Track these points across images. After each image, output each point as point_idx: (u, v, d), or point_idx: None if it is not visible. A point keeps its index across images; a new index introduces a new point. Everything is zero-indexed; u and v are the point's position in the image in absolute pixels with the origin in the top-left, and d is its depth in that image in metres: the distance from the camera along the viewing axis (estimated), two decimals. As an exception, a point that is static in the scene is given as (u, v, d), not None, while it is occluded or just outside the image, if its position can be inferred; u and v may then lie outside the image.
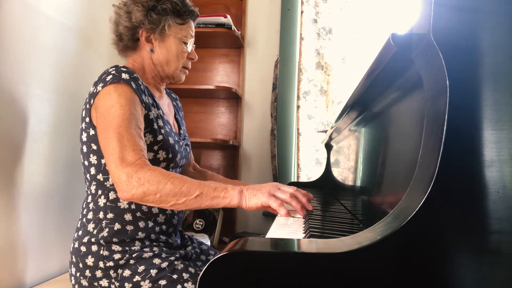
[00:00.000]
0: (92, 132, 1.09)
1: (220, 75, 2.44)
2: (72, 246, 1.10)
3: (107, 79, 1.05)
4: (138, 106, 1.05)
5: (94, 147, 1.09)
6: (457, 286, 0.42)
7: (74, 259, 1.08)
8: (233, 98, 2.40)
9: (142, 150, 0.98)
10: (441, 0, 0.45)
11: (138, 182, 0.91)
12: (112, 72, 1.06)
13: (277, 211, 0.92)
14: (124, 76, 1.05)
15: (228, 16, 2.18)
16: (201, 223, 2.21)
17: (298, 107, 2.27)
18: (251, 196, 0.93)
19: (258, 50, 2.40)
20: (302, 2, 2.27)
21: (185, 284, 1.02)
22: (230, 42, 2.34)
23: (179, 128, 1.31)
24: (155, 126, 1.11)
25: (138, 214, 1.09)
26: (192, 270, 1.06)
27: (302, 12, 2.27)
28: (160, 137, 1.10)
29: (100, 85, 1.05)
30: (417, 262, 0.43)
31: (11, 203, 1.31)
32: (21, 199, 1.36)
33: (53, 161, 1.52)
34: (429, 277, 0.42)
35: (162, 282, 1.02)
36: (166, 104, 1.28)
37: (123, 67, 1.09)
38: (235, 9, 2.41)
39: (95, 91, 1.06)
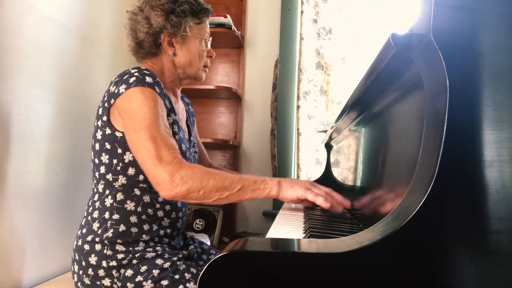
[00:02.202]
0: (108, 131, 1.08)
1: (220, 75, 2.44)
2: (75, 243, 1.10)
3: (130, 81, 1.04)
4: (164, 109, 1.07)
5: (108, 146, 1.09)
6: (457, 286, 0.42)
7: (77, 257, 1.08)
8: (233, 98, 2.40)
9: (175, 149, 1.00)
10: (441, 0, 0.45)
11: (182, 180, 0.93)
12: (135, 74, 1.06)
13: (314, 202, 0.95)
14: (148, 79, 1.06)
15: (228, 16, 2.19)
16: (201, 223, 2.21)
17: (298, 107, 2.27)
18: (288, 188, 0.97)
19: (258, 50, 2.40)
20: (302, 2, 2.27)
21: (187, 284, 1.02)
22: (230, 42, 2.34)
23: (189, 134, 1.31)
24: (171, 131, 1.11)
25: (144, 217, 1.09)
26: (194, 270, 1.07)
27: (302, 12, 2.27)
28: None
29: (123, 86, 1.04)
30: (417, 262, 0.43)
31: (10, 203, 1.32)
32: (20, 199, 1.36)
33: (53, 161, 1.52)
34: (429, 277, 0.42)
35: (164, 282, 1.02)
36: (180, 109, 1.28)
37: (145, 69, 1.09)
38: (235, 9, 2.41)
39: (116, 91, 1.06)
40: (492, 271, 0.42)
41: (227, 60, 2.43)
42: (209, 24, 2.13)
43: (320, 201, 0.94)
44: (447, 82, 0.43)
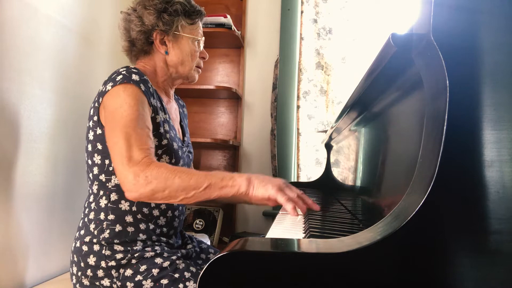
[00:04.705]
0: (99, 131, 1.09)
1: (220, 75, 2.44)
2: (73, 245, 1.10)
3: (117, 79, 1.05)
4: (146, 107, 1.06)
5: (99, 146, 1.09)
6: (457, 286, 0.42)
7: (75, 258, 1.08)
8: (233, 98, 2.40)
9: (149, 149, 0.98)
10: (441, 0, 0.45)
11: (146, 180, 0.91)
12: (122, 72, 1.06)
13: (284, 206, 0.90)
14: (134, 77, 1.05)
15: (228, 16, 2.19)
16: (201, 223, 2.21)
17: (298, 107, 2.27)
18: (259, 186, 0.91)
19: (258, 50, 2.40)
20: (302, 2, 2.27)
21: (187, 283, 1.03)
22: (230, 42, 2.34)
23: (183, 135, 1.31)
24: (161, 130, 1.11)
25: (139, 216, 1.09)
26: (193, 269, 1.07)
27: (302, 12, 2.27)
28: (164, 142, 1.11)
29: (110, 84, 1.05)
30: (417, 262, 0.43)
31: (11, 203, 1.32)
32: (21, 199, 1.36)
33: (53, 161, 1.52)
34: (429, 277, 0.42)
35: (164, 281, 1.02)
36: (173, 109, 1.28)
37: (134, 68, 1.09)
38: (235, 9, 2.41)
39: (104, 89, 1.07)
40: (492, 271, 0.42)
41: (227, 60, 2.43)
42: (209, 24, 2.16)
43: (289, 209, 0.89)
44: (447, 82, 0.43)
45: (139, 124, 1.00)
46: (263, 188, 0.91)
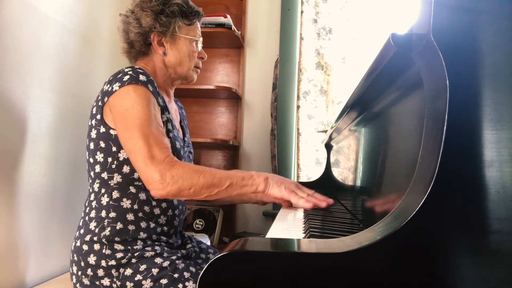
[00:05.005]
0: (102, 129, 1.09)
1: (220, 75, 2.44)
2: (73, 244, 1.10)
3: (124, 79, 1.05)
4: (157, 108, 1.08)
5: (102, 144, 1.09)
6: (457, 286, 0.42)
7: (75, 258, 1.08)
8: (233, 98, 2.40)
9: (168, 148, 1.02)
10: (441, 0, 0.45)
11: (172, 180, 0.96)
12: (129, 73, 1.07)
13: (297, 205, 1.03)
14: (142, 78, 1.07)
15: (228, 16, 2.19)
16: (201, 223, 2.21)
17: (298, 107, 2.27)
18: (275, 186, 1.02)
19: (258, 50, 2.40)
20: (302, 2, 2.27)
21: (186, 283, 1.03)
22: (230, 42, 2.34)
23: (184, 135, 1.33)
24: (165, 129, 1.12)
25: (140, 214, 1.10)
26: (193, 269, 1.07)
27: (302, 12, 2.27)
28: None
29: (117, 84, 1.06)
30: (417, 262, 0.43)
31: (11, 203, 1.32)
32: (21, 199, 1.36)
33: (54, 161, 1.52)
34: (429, 277, 0.42)
35: (164, 281, 1.02)
36: (173, 109, 1.29)
37: (139, 68, 1.10)
38: (235, 9, 2.41)
39: (109, 89, 1.07)
40: (492, 271, 0.42)
41: (227, 60, 2.43)
42: (209, 24, 2.16)
43: (302, 203, 1.00)
44: (447, 82, 0.43)
45: (154, 124, 1.02)
46: (277, 189, 1.02)
